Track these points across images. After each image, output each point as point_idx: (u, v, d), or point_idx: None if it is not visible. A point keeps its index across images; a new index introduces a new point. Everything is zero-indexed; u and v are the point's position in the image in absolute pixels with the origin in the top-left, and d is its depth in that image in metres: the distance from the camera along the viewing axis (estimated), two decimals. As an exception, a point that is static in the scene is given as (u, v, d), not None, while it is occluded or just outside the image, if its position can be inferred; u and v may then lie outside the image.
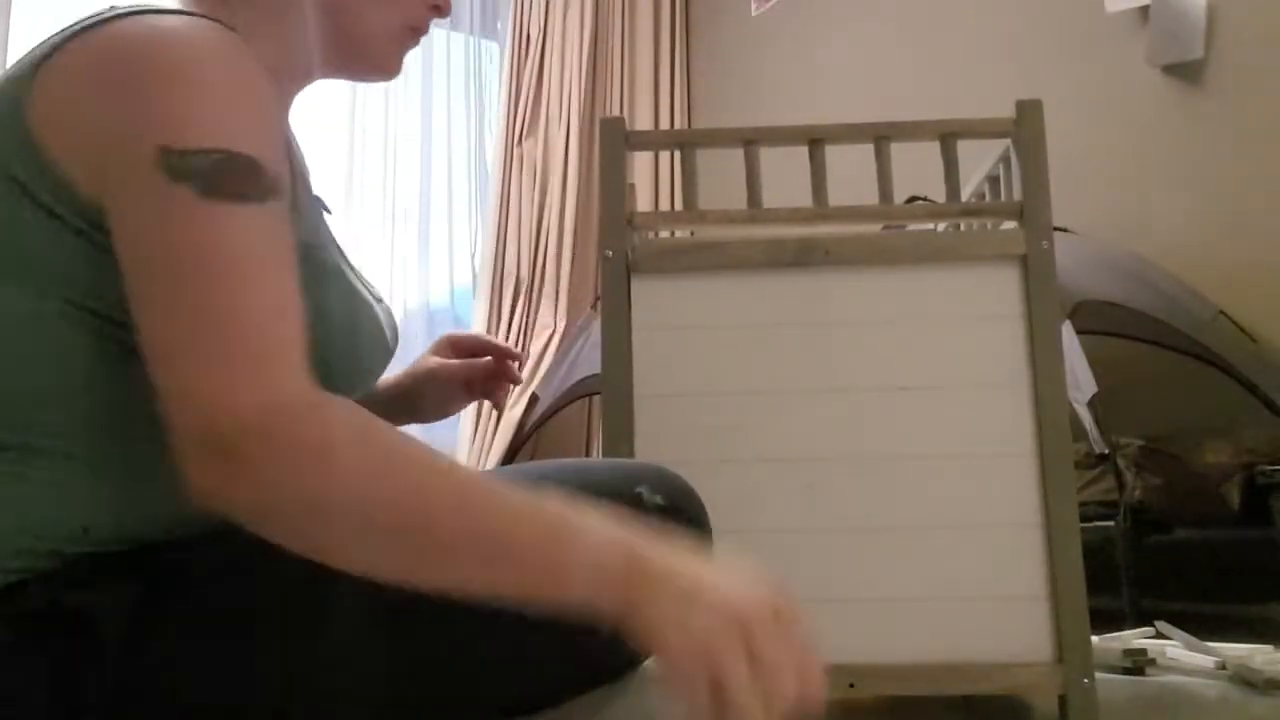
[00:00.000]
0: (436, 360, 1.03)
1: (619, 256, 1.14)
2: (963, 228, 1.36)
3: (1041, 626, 1.06)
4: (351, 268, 0.78)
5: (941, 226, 1.36)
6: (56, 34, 0.65)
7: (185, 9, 0.68)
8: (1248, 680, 1.41)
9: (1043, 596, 1.07)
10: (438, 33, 3.44)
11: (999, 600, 1.07)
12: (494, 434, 2.99)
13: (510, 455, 2.83)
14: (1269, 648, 1.53)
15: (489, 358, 1.02)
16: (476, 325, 3.37)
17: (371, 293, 0.79)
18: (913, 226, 1.28)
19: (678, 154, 1.20)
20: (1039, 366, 1.10)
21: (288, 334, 0.57)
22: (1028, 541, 1.08)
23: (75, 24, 0.65)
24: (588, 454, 3.19)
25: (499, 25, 3.70)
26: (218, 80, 0.62)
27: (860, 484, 1.09)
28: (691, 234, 1.51)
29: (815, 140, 1.18)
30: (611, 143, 1.19)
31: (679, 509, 0.65)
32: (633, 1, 3.64)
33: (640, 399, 1.13)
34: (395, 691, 0.60)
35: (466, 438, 2.95)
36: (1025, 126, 1.15)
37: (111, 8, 0.65)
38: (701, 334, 1.14)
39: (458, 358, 1.03)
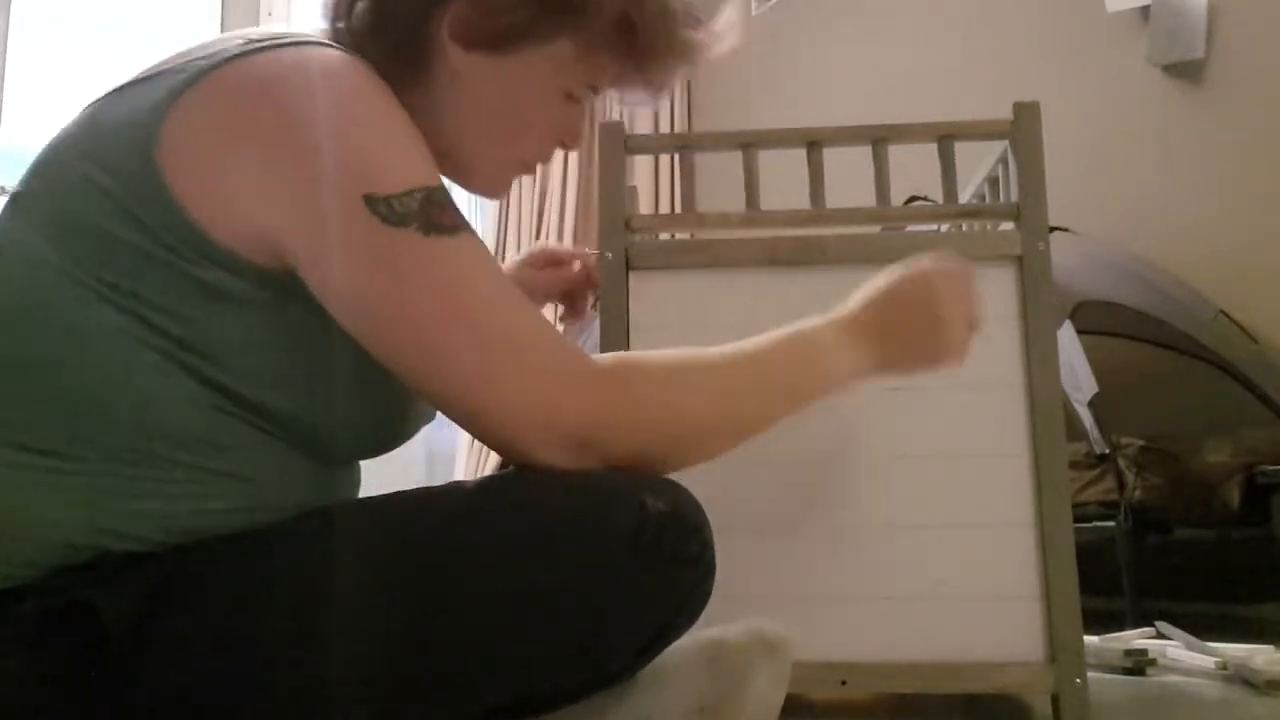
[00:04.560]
0: (525, 274, 1.08)
1: (618, 259, 1.15)
2: (965, 229, 1.36)
3: (1034, 626, 1.06)
4: None
5: (945, 228, 1.36)
6: (179, 68, 0.63)
7: (308, 37, 0.66)
8: (1248, 681, 1.40)
9: (1035, 596, 1.07)
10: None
11: (992, 600, 1.07)
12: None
13: (512, 457, 2.83)
14: (1269, 648, 1.53)
15: (577, 264, 1.08)
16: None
17: None
18: (910, 228, 1.29)
19: (677, 156, 1.21)
20: (1034, 367, 1.10)
21: (551, 329, 0.66)
22: (1021, 541, 1.08)
23: (200, 58, 0.63)
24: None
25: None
26: (384, 115, 0.63)
27: (854, 483, 1.09)
28: (692, 236, 1.51)
29: (813, 143, 1.18)
30: (610, 147, 1.21)
31: (681, 516, 0.66)
32: (633, 3, 3.63)
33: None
34: (395, 691, 0.61)
35: (465, 441, 2.95)
36: (1021, 128, 1.15)
37: (228, 45, 0.63)
38: (700, 333, 1.14)
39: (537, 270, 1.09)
